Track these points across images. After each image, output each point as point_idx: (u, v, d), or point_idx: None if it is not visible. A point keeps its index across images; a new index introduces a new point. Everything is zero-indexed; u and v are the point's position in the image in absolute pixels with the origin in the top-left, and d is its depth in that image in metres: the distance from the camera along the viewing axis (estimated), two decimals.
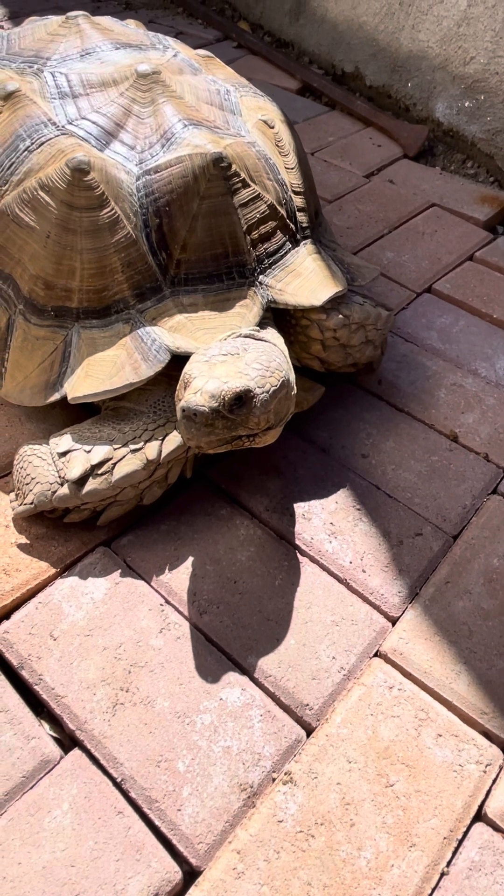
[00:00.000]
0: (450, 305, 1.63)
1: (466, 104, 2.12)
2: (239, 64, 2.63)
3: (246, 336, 1.04)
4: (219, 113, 1.18)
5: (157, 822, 0.81)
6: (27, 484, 1.03)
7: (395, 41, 2.27)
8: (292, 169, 1.24)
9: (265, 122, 1.22)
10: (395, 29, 2.26)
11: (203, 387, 0.90)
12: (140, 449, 1.02)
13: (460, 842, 0.82)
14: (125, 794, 0.83)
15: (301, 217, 1.24)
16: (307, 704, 0.92)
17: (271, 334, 1.11)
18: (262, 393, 0.94)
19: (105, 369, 1.05)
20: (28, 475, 1.04)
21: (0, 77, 1.15)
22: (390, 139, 2.27)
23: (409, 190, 2.02)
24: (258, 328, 1.09)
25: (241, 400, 0.92)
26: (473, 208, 1.95)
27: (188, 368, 0.95)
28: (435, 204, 1.97)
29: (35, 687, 0.91)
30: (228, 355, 0.97)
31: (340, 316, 1.21)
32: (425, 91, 2.24)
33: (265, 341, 1.04)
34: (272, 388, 0.96)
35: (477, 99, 2.09)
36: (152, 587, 1.02)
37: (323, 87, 2.46)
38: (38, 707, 0.91)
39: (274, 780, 0.86)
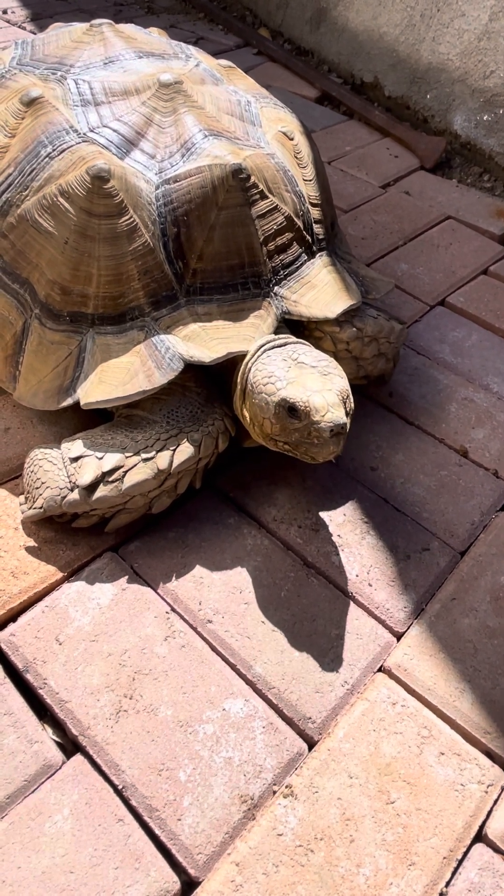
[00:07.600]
0: (463, 319, 1.63)
1: (485, 118, 2.13)
2: (258, 71, 2.64)
3: (264, 344, 1.06)
4: (239, 124, 1.19)
5: (157, 831, 0.81)
6: (37, 488, 1.04)
7: (416, 52, 2.27)
8: (310, 181, 1.25)
9: (285, 133, 1.23)
10: (415, 41, 2.26)
11: (329, 401, 0.94)
12: (152, 458, 1.02)
13: (460, 862, 0.82)
14: (126, 801, 0.84)
15: (317, 229, 1.24)
16: (310, 718, 0.92)
17: None
18: (346, 382, 1.00)
19: (118, 376, 1.06)
20: (38, 479, 1.04)
21: (24, 83, 1.16)
22: (407, 150, 2.27)
23: (425, 202, 2.02)
24: (273, 336, 1.10)
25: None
26: (489, 222, 1.95)
27: (292, 395, 0.96)
28: (450, 217, 1.97)
29: (39, 691, 0.91)
30: (293, 367, 1.01)
31: (353, 329, 1.21)
32: (444, 103, 2.24)
33: (294, 342, 1.08)
34: (343, 374, 1.02)
35: (496, 113, 2.09)
36: (158, 594, 1.03)
37: (341, 96, 2.47)
38: (42, 711, 0.92)
39: (275, 792, 0.86)
